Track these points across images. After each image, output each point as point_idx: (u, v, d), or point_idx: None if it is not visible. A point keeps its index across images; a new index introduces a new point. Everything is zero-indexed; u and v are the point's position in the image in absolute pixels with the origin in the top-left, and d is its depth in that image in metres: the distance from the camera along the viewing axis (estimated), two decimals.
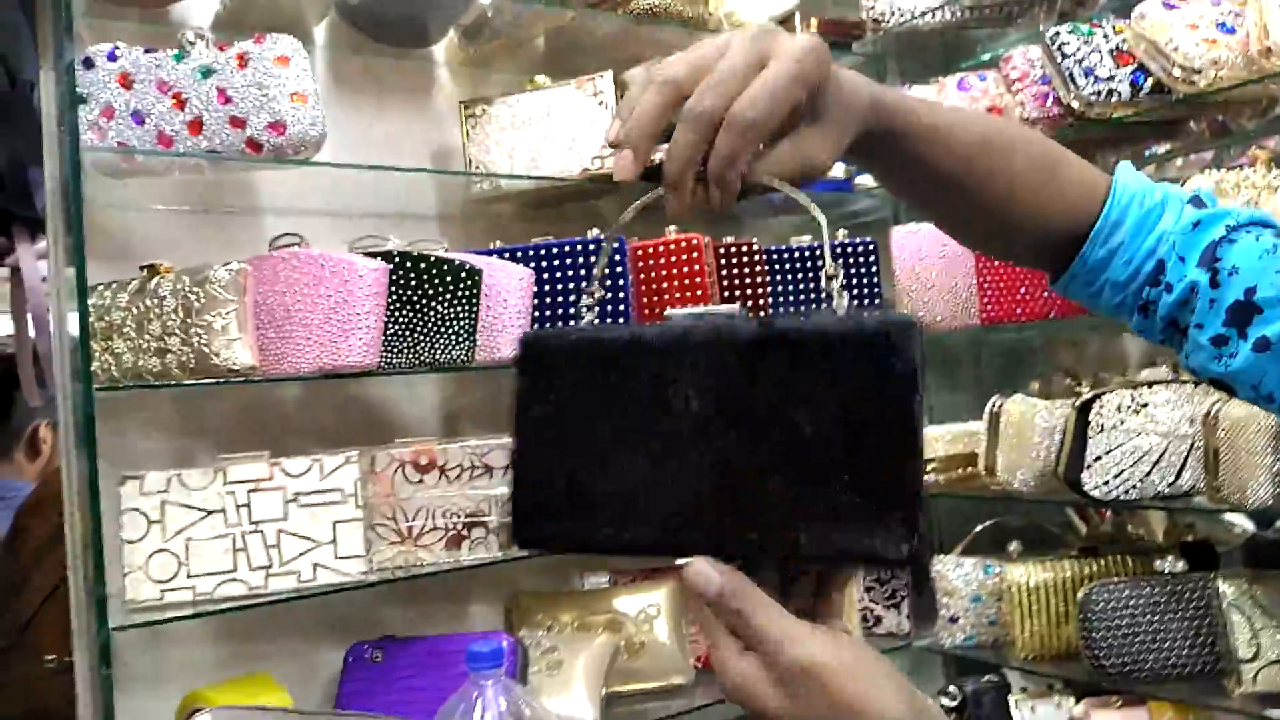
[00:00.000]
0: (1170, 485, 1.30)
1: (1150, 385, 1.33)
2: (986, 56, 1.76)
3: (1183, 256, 0.66)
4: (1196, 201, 0.69)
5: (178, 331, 1.20)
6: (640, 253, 1.49)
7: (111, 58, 1.24)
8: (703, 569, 0.50)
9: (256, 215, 1.43)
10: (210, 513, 1.19)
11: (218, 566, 1.18)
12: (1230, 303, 0.64)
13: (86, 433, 1.15)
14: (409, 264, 1.27)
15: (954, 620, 1.54)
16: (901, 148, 0.63)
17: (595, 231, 1.45)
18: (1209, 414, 1.24)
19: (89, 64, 1.24)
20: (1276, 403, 0.64)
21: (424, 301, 1.28)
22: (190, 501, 1.19)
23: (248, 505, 1.19)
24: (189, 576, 1.18)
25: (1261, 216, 0.68)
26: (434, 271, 1.28)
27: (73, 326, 1.19)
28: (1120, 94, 1.36)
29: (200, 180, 1.40)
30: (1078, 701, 1.30)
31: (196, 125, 1.25)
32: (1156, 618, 1.27)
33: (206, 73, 1.25)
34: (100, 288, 1.24)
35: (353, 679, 1.32)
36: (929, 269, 1.64)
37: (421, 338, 1.28)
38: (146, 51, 1.25)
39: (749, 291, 1.53)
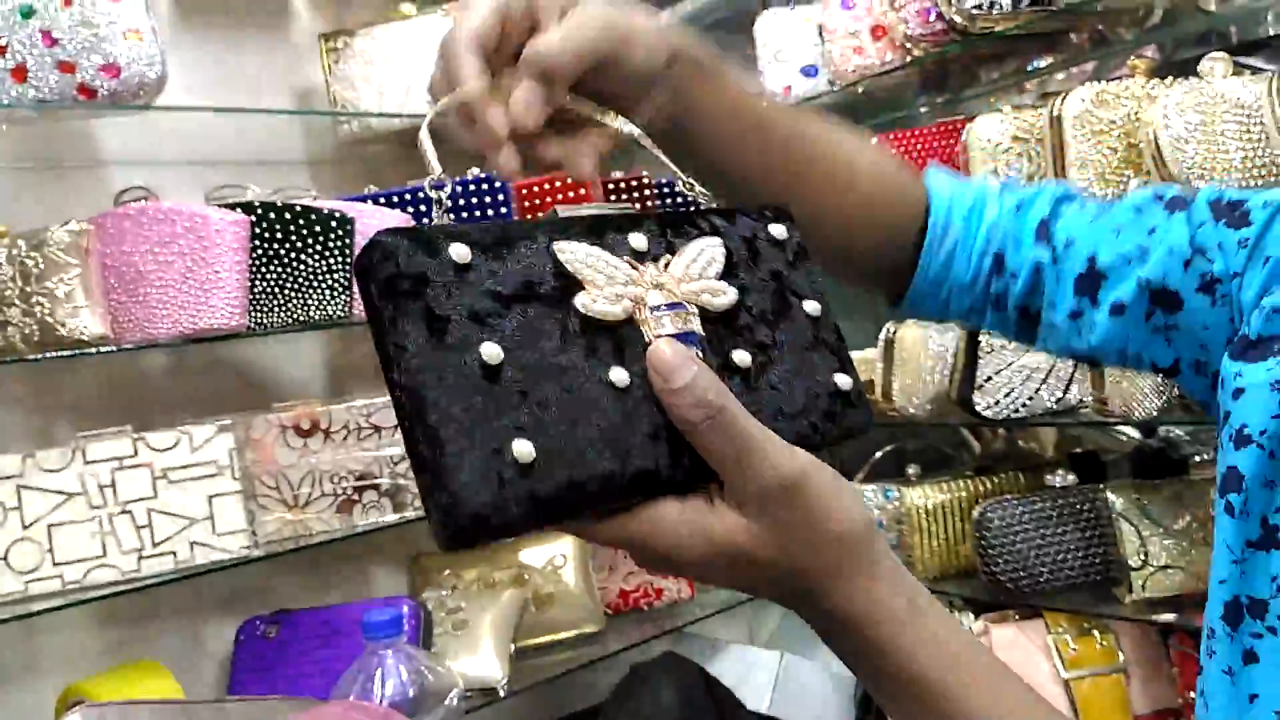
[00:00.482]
0: (1058, 401, 1.32)
1: None
2: None
3: (1018, 240, 0.64)
4: (1007, 187, 0.68)
5: (18, 301, 1.10)
6: (525, 191, 1.42)
7: None
8: (680, 348, 0.41)
9: (100, 168, 1.32)
10: (71, 495, 1.10)
11: (85, 552, 1.10)
12: (1075, 275, 0.62)
13: None
14: (273, 215, 1.19)
15: None
16: (713, 112, 0.57)
17: (476, 171, 1.37)
18: None
19: None
20: (1146, 362, 0.63)
21: (292, 255, 1.19)
22: (48, 485, 1.10)
23: (112, 485, 1.11)
24: (54, 565, 1.09)
25: (1066, 190, 0.67)
26: (300, 222, 1.20)
27: None
28: (1001, 5, 1.34)
29: (33, 133, 1.28)
30: (977, 617, 1.33)
31: (20, 72, 1.14)
32: (1049, 531, 1.29)
33: (27, 13, 1.13)
34: None
35: (246, 657, 1.26)
36: None
37: (292, 294, 1.20)
38: None
39: None
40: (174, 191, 1.23)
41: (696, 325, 0.44)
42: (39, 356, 1.10)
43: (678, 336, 0.43)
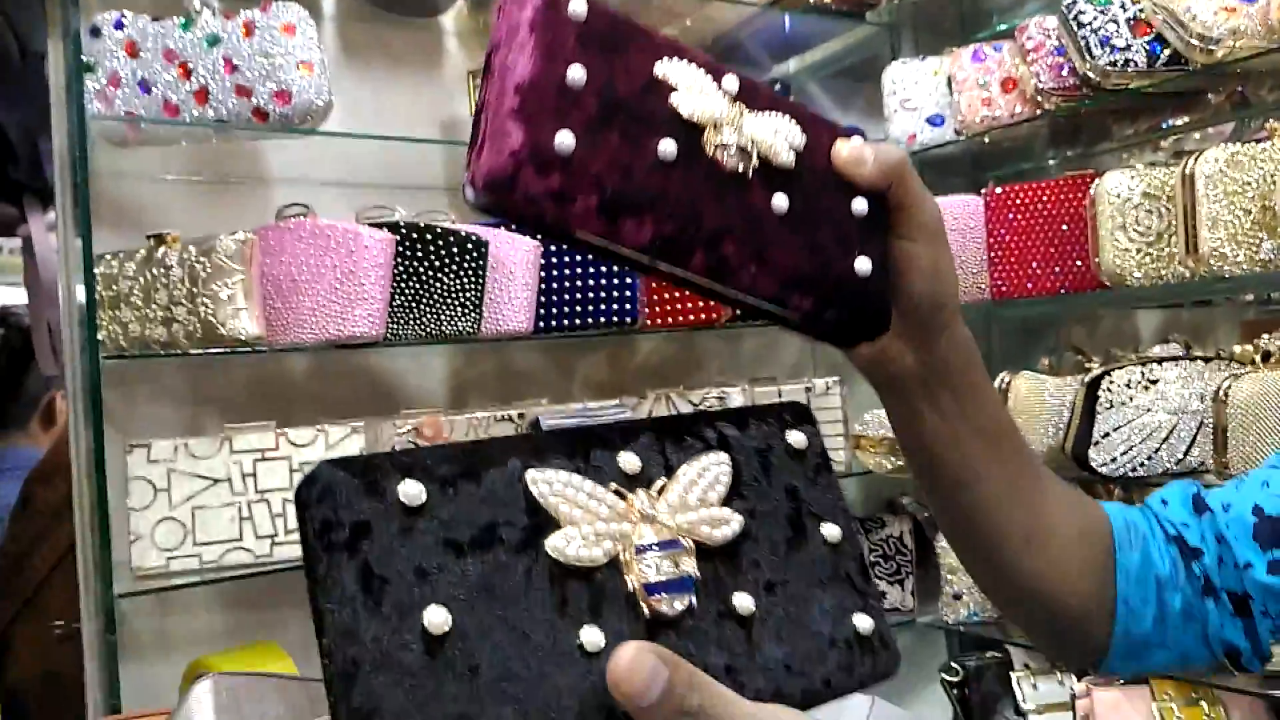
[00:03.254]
0: (1178, 462, 1.29)
1: (1161, 362, 1.32)
2: (1002, 27, 1.73)
3: (1185, 522, 0.63)
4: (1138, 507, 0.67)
5: (184, 301, 1.20)
6: None
7: (118, 25, 1.24)
8: (641, 660, 0.33)
9: (264, 185, 1.43)
10: (216, 481, 1.19)
11: (224, 535, 1.19)
12: (1250, 530, 0.61)
13: (92, 401, 1.16)
14: (415, 235, 1.27)
15: (958, 597, 1.53)
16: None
17: None
18: (1219, 391, 1.23)
19: (95, 32, 1.24)
20: None
21: (430, 273, 1.27)
22: (197, 470, 1.20)
23: (254, 474, 1.20)
24: (195, 544, 1.19)
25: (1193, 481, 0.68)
26: (440, 242, 1.28)
27: (80, 296, 1.19)
28: (1136, 64, 1.34)
29: (208, 149, 1.40)
30: (1080, 678, 1.30)
31: (203, 94, 1.25)
32: None
33: (213, 41, 1.25)
34: (108, 257, 1.25)
35: None
36: None
37: (427, 309, 1.28)
38: (153, 20, 1.25)
39: None
40: (328, 209, 1.33)
41: (691, 567, 0.38)
42: (199, 352, 1.20)
43: (668, 585, 0.37)
